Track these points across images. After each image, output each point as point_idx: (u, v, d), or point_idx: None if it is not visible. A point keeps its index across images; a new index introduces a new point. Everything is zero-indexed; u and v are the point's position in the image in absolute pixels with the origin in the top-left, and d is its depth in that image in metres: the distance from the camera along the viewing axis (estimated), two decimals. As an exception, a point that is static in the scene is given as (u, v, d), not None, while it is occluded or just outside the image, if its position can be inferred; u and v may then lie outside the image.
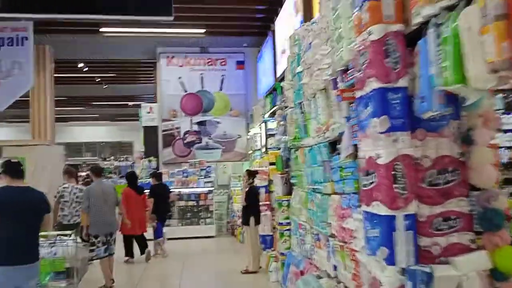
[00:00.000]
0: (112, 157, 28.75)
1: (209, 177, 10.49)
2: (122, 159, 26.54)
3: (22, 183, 3.79)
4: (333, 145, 3.68)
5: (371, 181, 2.53)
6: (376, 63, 2.47)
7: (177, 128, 11.36)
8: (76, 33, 10.05)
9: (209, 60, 11.49)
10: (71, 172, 7.10)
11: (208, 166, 10.64)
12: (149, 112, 11.41)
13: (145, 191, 8.27)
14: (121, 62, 12.93)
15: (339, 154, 3.44)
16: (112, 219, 6.14)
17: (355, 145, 2.98)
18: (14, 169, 3.76)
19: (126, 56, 12.35)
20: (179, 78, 11.40)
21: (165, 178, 10.34)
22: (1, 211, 3.60)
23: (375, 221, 2.49)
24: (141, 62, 12.81)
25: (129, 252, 7.81)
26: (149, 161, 10.91)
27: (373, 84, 2.49)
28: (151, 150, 11.24)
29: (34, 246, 3.76)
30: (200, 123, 11.40)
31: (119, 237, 7.33)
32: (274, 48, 8.97)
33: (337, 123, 3.49)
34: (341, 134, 3.31)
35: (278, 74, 8.50)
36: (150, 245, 8.08)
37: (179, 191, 10.25)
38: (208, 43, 11.38)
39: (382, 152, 2.41)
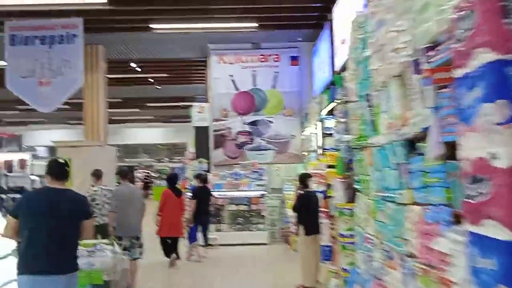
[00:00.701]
0: (167, 159, 29.27)
1: (262, 180, 9.95)
2: (176, 160, 26.85)
3: (63, 185, 3.45)
4: (412, 144, 2.95)
5: (481, 191, 1.80)
6: (490, 25, 1.75)
7: (228, 128, 10.93)
8: (126, 30, 9.88)
9: (262, 56, 10.96)
10: (99, 174, 7.02)
11: (260, 169, 10.10)
12: (200, 112, 11.08)
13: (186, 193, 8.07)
14: (173, 61, 12.75)
15: (419, 154, 2.72)
16: (136, 222, 6.02)
17: (449, 143, 2.25)
18: (56, 169, 3.43)
19: (177, 55, 12.14)
20: (231, 76, 10.97)
21: (215, 180, 9.94)
22: (28, 214, 3.25)
23: (488, 248, 1.76)
24: (192, 61, 12.55)
25: (168, 254, 7.57)
26: (200, 162, 10.55)
27: (485, 56, 1.76)
28: (202, 151, 10.89)
29: (67, 255, 3.32)
30: (252, 123, 10.89)
31: (155, 240, 7.37)
32: (331, 39, 8.24)
33: (419, 116, 2.76)
34: (425, 129, 2.59)
35: (336, 68, 7.77)
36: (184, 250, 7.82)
37: (229, 194, 9.79)
38: (260, 39, 10.86)
39: (501, 151, 1.68)
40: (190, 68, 13.42)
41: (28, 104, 8.37)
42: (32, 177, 13.08)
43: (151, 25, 9.62)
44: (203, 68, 12.45)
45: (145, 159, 29.44)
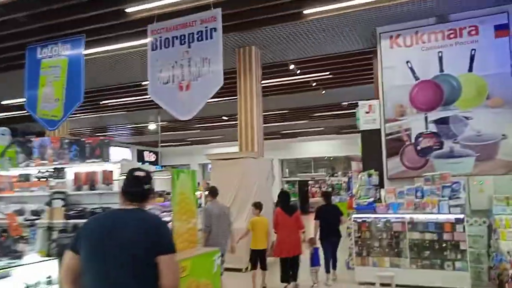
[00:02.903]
0: (340, 172, 27.31)
1: (457, 198, 7.12)
2: (350, 174, 24.69)
3: (135, 205, 2.36)
4: None
5: None
6: None
7: (406, 130, 8.42)
8: (277, 22, 8.46)
9: (451, 31, 8.15)
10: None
11: (455, 182, 7.27)
12: (368, 112, 8.88)
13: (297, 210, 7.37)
14: (335, 57, 10.87)
15: None
16: (225, 240, 6.48)
17: None
18: (128, 185, 2.40)
19: (339, 48, 10.24)
20: (407, 62, 8.48)
21: (390, 199, 7.58)
22: (86, 249, 2.26)
23: None
24: (357, 53, 10.46)
25: (283, 277, 7.16)
26: (369, 175, 8.33)
27: None
28: (371, 160, 8.65)
29: None
30: (440, 121, 8.14)
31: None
32: None
33: None
34: None
35: None
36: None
37: (410, 218, 7.26)
38: (447, 9, 8.12)
39: None
40: (355, 63, 11.31)
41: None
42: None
43: (304, 11, 8.01)
44: (369, 60, 10.25)
45: (318, 173, 28.10)
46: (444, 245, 6.97)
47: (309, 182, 27.24)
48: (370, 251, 7.50)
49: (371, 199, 7.99)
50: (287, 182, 27.42)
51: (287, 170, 28.40)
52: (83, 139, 5.51)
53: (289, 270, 7.11)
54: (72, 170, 5.34)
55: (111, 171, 5.06)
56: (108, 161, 5.25)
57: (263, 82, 11.08)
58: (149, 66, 7.42)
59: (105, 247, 2.18)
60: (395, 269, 7.14)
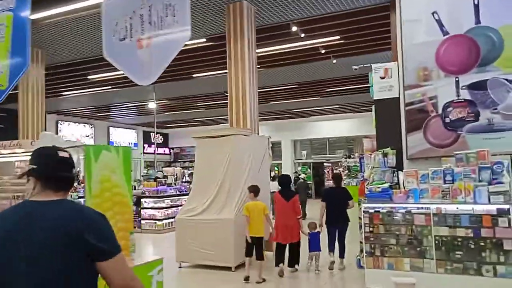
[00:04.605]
0: (357, 154, 25.57)
1: (499, 183, 5.47)
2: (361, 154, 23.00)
3: (60, 196, 1.78)
4: None
5: None
6: None
7: (431, 98, 6.72)
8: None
9: (491, -32, 6.38)
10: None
11: (496, 163, 5.61)
12: (383, 77, 7.21)
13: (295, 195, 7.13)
14: (346, 15, 9.13)
15: None
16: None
17: None
18: (43, 167, 1.80)
19: (350, 3, 8.52)
20: (434, 13, 6.74)
21: (410, 184, 6.01)
22: None
23: None
24: (373, 9, 8.72)
25: (277, 261, 7.04)
26: (384, 155, 6.70)
27: None
28: (387, 137, 7.01)
29: None
30: (475, 86, 6.42)
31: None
32: None
33: None
34: None
35: None
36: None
37: (436, 208, 5.65)
38: None
39: None
40: (371, 22, 9.54)
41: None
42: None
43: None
44: (389, 21, 8.51)
45: (335, 155, 26.46)
46: (481, 243, 5.35)
47: (325, 164, 25.72)
48: (385, 250, 5.94)
49: (387, 185, 6.41)
50: (304, 164, 25.90)
51: (303, 152, 26.79)
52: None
53: (283, 255, 7.03)
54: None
55: None
56: None
57: (262, 50, 9.48)
58: (104, 18, 5.91)
59: (21, 246, 1.61)
60: (417, 274, 5.60)
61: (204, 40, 10.35)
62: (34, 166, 1.79)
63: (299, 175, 19.92)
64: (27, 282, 1.60)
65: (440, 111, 6.63)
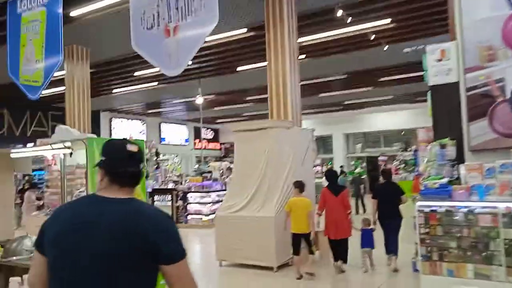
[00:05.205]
0: (414, 147, 24.23)
1: None
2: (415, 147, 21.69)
3: (128, 194, 1.75)
4: None
5: None
6: None
7: (498, 81, 5.83)
8: None
9: None
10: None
11: None
12: (440, 60, 6.40)
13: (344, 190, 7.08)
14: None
15: None
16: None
17: None
18: (113, 162, 1.77)
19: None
20: (499, -17, 5.85)
21: (474, 180, 5.26)
22: (52, 246, 1.68)
23: None
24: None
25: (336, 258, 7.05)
26: (442, 146, 5.93)
27: None
28: (446, 126, 6.21)
29: None
30: (553, 65, 5.49)
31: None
32: None
33: None
34: None
35: None
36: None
37: (506, 208, 4.85)
38: None
39: None
40: (426, 2, 8.65)
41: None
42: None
43: None
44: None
45: (390, 148, 25.26)
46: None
47: (380, 158, 24.62)
48: (444, 255, 5.22)
49: (445, 180, 5.65)
50: (358, 158, 24.95)
51: (357, 146, 25.80)
52: None
53: (337, 250, 7.01)
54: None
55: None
56: None
57: (305, 38, 8.89)
58: (131, 7, 5.67)
59: (81, 251, 1.60)
60: (483, 282, 4.85)
61: (245, 30, 9.94)
62: (103, 158, 1.78)
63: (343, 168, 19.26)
64: (91, 278, 1.59)
65: (508, 96, 5.74)
